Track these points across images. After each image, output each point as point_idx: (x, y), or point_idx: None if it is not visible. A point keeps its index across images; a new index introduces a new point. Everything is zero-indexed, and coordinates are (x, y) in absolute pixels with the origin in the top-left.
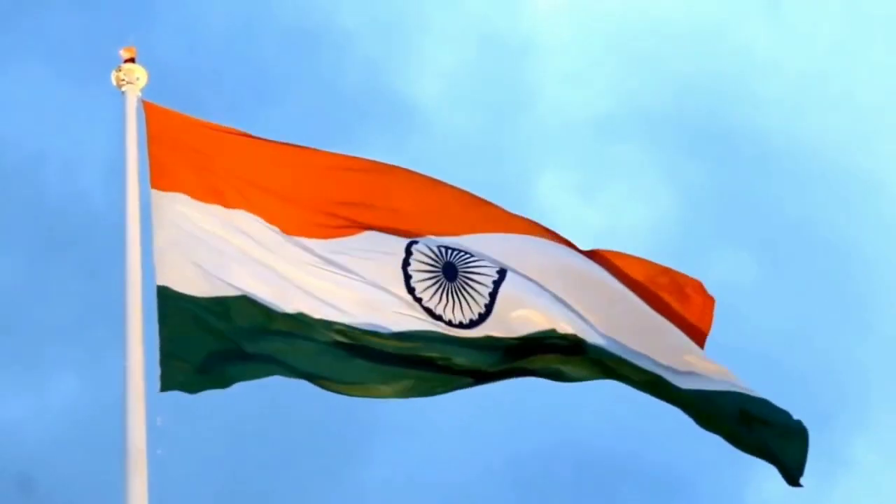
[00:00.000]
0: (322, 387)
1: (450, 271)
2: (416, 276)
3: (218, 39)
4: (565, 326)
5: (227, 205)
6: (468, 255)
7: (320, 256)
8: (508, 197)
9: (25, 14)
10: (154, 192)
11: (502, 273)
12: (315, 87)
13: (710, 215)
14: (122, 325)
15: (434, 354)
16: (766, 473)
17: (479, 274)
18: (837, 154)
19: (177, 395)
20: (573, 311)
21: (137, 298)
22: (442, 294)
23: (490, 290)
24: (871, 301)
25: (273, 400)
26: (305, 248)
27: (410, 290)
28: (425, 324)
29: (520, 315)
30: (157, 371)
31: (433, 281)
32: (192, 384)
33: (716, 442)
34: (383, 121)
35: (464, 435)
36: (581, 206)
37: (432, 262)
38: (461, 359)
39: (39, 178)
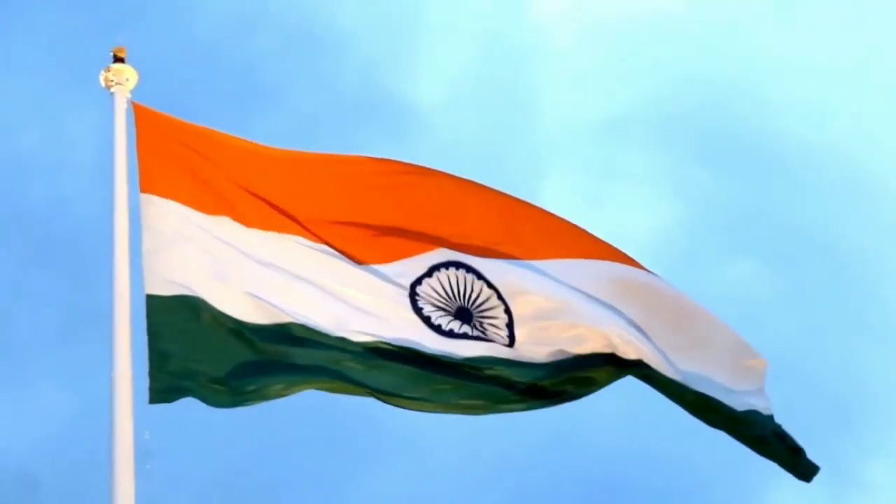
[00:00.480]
0: (381, 400)
1: (464, 314)
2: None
3: (212, 39)
4: (626, 349)
5: (244, 221)
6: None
7: (383, 277)
8: None
9: (11, 11)
10: (143, 196)
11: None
12: (313, 89)
13: (719, 222)
14: (109, 333)
15: (496, 372)
16: (773, 487)
17: (491, 317)
18: (852, 159)
19: (164, 407)
20: (639, 331)
21: (125, 306)
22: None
23: (507, 320)
24: (890, 312)
25: (271, 412)
26: (374, 273)
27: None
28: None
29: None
30: (146, 382)
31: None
32: (218, 399)
33: (722, 457)
34: (383, 124)
35: (466, 450)
36: (586, 213)
37: (445, 300)
38: (516, 375)
39: (24, 181)
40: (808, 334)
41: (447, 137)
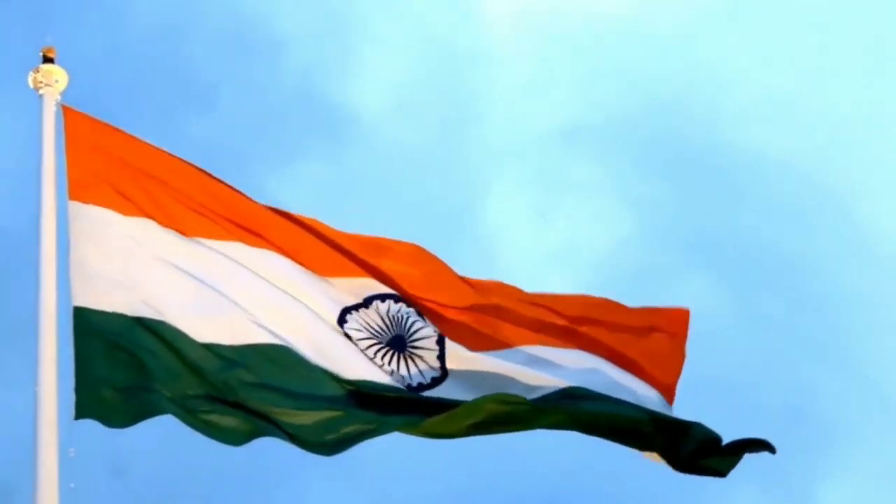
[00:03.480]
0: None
1: (398, 343)
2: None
3: (145, 41)
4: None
5: (181, 231)
6: (414, 325)
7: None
8: (456, 217)
9: None
10: (72, 203)
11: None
12: (246, 94)
13: (674, 237)
14: (34, 347)
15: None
16: None
17: (425, 347)
18: (809, 173)
19: (91, 425)
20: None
21: (52, 318)
22: (391, 357)
23: (438, 354)
24: (846, 331)
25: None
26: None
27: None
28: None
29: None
30: (72, 397)
31: (378, 347)
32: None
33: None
34: (320, 133)
35: (398, 467)
36: (535, 228)
37: (378, 331)
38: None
39: None
40: (761, 352)
41: (388, 147)
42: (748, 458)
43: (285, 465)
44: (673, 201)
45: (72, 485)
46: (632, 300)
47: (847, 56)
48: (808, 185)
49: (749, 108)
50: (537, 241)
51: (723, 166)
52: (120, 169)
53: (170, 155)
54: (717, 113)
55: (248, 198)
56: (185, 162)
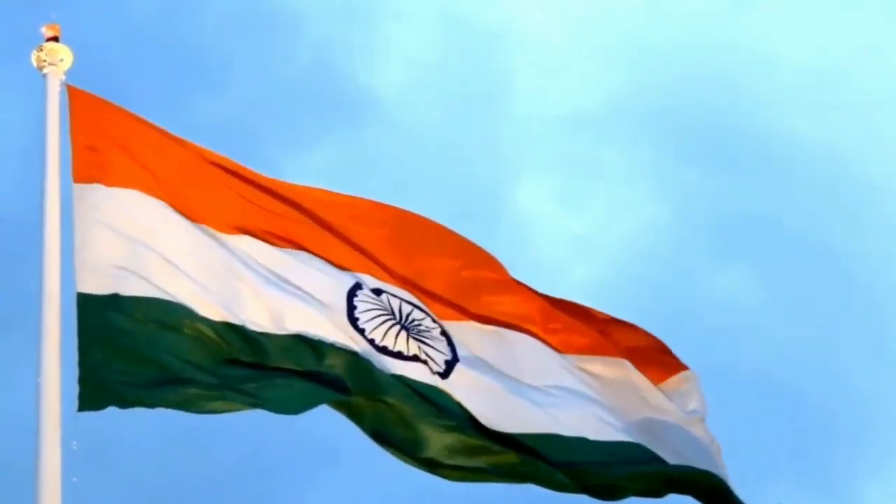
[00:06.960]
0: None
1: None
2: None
3: (153, 17)
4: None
5: (188, 214)
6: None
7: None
8: (480, 204)
9: None
10: (76, 186)
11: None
12: (260, 72)
13: (705, 225)
14: (36, 336)
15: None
16: None
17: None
18: (849, 158)
19: (92, 418)
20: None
21: (55, 306)
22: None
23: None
24: (888, 323)
25: (207, 420)
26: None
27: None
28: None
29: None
30: (76, 389)
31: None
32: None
33: None
34: (337, 113)
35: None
36: (562, 214)
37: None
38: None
39: None
40: (799, 346)
41: (408, 130)
42: (786, 455)
43: (285, 462)
44: (706, 188)
45: (74, 479)
46: (660, 290)
47: (889, 36)
48: (848, 170)
49: (788, 91)
50: (565, 227)
51: (759, 152)
52: (126, 150)
53: (177, 138)
54: (755, 97)
55: (255, 182)
56: (194, 145)
